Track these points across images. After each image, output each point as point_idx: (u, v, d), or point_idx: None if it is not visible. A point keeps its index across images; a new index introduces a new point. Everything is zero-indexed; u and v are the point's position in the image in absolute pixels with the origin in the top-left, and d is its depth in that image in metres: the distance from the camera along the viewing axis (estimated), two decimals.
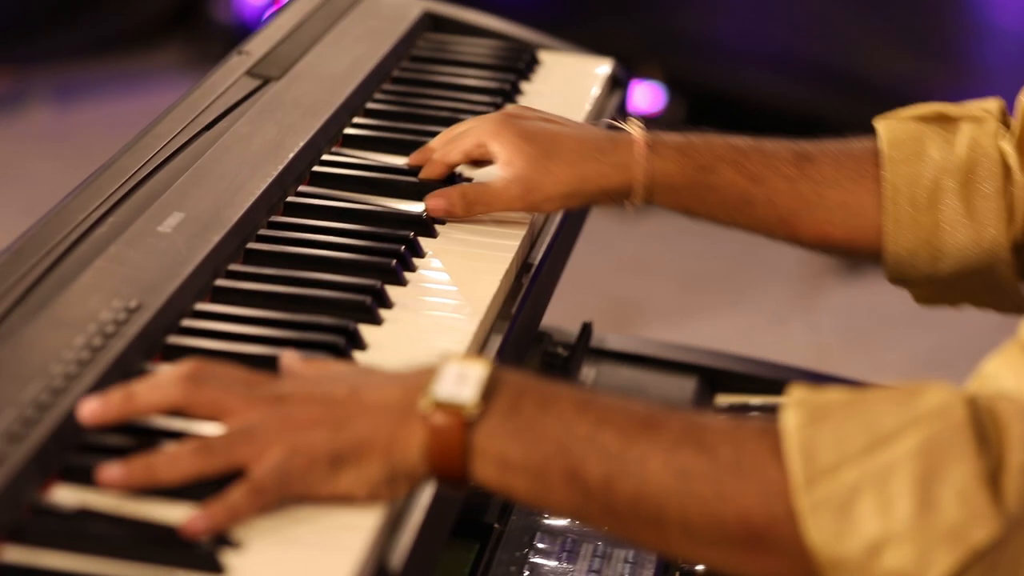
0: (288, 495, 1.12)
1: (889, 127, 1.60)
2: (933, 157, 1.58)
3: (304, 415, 1.13)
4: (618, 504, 1.11)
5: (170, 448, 1.13)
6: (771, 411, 1.75)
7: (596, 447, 1.11)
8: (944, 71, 4.15)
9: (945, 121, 1.60)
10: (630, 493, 1.10)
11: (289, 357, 1.21)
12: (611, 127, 1.61)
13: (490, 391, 1.13)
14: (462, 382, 1.13)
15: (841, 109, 4.13)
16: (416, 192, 1.61)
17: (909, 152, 1.58)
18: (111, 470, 1.12)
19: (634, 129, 1.57)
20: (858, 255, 1.64)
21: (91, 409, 1.15)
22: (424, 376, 1.14)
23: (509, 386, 1.13)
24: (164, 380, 1.15)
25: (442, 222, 1.58)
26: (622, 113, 1.73)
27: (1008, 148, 1.57)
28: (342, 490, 1.13)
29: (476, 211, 1.56)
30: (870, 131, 1.63)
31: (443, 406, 1.12)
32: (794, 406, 1.11)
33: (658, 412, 1.13)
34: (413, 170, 1.65)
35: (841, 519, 1.07)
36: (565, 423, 1.12)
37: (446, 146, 1.61)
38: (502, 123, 1.58)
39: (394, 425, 1.12)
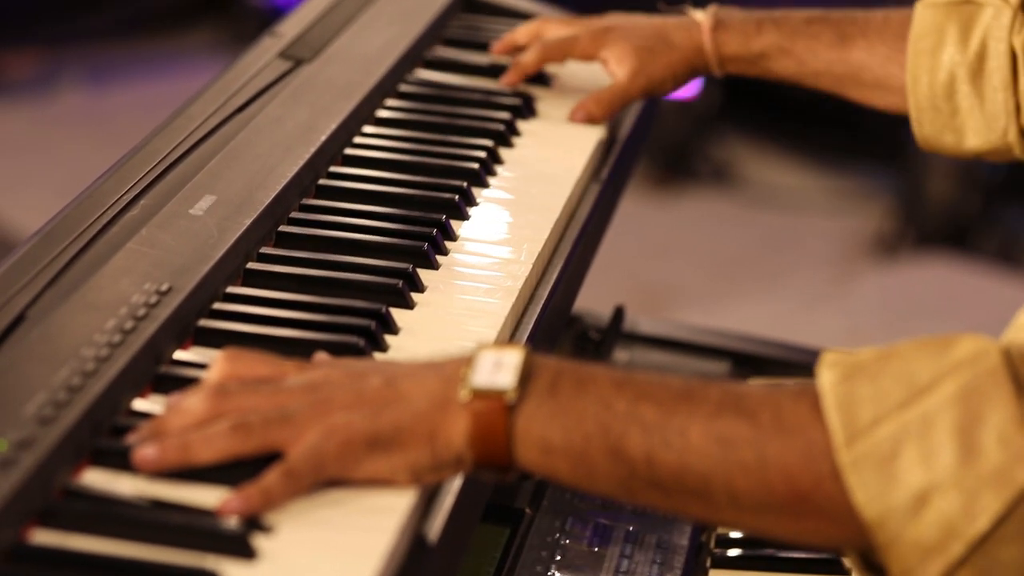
0: (323, 477, 1.12)
1: (921, 15, 1.73)
2: (949, 50, 1.71)
3: (340, 399, 1.13)
4: (663, 477, 1.11)
5: (205, 427, 1.13)
6: None
7: (636, 422, 1.11)
8: None
9: (971, 7, 1.70)
10: (674, 465, 1.10)
11: (320, 356, 1.21)
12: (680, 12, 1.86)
13: (527, 376, 1.12)
14: (499, 369, 1.12)
15: None
16: (449, 174, 1.60)
17: (930, 44, 1.71)
18: (146, 450, 1.12)
19: (700, 17, 1.82)
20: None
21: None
22: (461, 365, 1.14)
23: (546, 369, 1.13)
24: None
25: (475, 203, 1.58)
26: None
27: (1019, 43, 1.66)
28: (381, 474, 1.13)
29: (615, 109, 1.81)
30: None
31: (482, 394, 1.12)
32: (829, 366, 1.11)
33: (695, 383, 1.13)
34: (444, 153, 1.65)
35: (885, 472, 1.06)
36: (603, 401, 1.11)
37: (550, 50, 1.84)
38: (604, 35, 1.82)
39: (436, 414, 1.12)
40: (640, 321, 1.91)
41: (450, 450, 1.13)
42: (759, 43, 1.79)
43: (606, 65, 1.81)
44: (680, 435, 1.10)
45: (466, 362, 1.14)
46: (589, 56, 1.82)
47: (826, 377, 1.10)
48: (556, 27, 1.85)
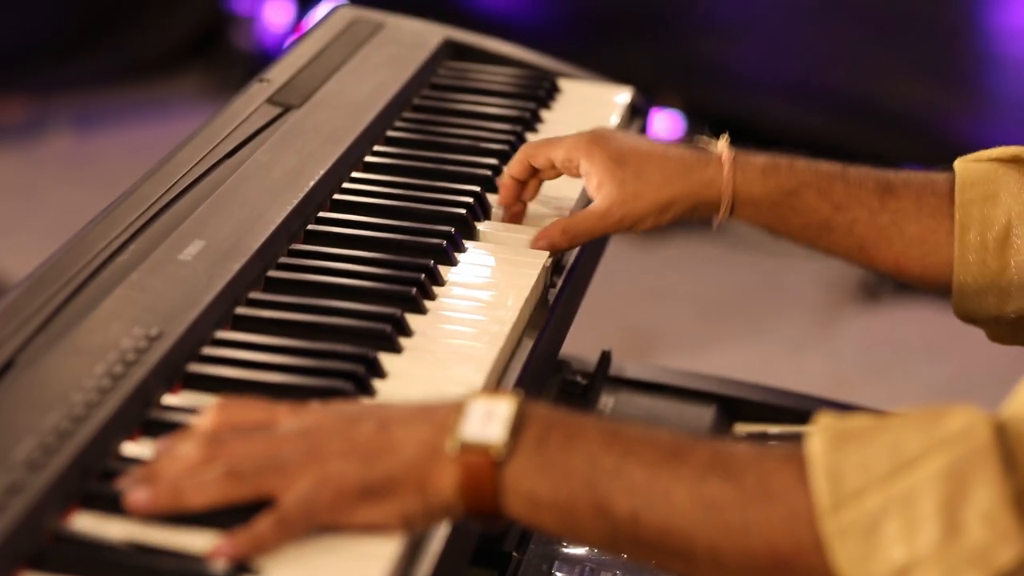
0: (316, 525, 1.12)
1: (965, 168, 1.61)
2: (1005, 200, 1.58)
3: (333, 447, 1.13)
4: (646, 536, 1.12)
5: (198, 474, 1.13)
6: (791, 440, 1.76)
7: (622, 481, 1.11)
8: (959, 99, 4.15)
9: (1022, 164, 1.60)
10: (658, 526, 1.11)
11: (312, 403, 1.21)
12: (696, 144, 1.63)
13: (517, 428, 1.13)
14: (489, 420, 1.13)
15: (858, 137, 4.14)
16: (437, 220, 1.61)
17: (982, 194, 1.59)
18: (138, 494, 1.12)
19: (720, 147, 1.60)
20: (931, 289, 1.64)
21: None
22: (451, 414, 1.14)
23: (536, 421, 1.14)
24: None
25: (463, 249, 1.59)
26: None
27: None
28: (373, 520, 1.13)
29: (579, 242, 1.61)
30: (885, 161, 1.64)
31: (471, 448, 1.12)
32: (820, 432, 1.11)
33: (684, 442, 1.13)
34: (431, 198, 1.66)
35: (867, 544, 1.07)
36: (591, 457, 1.12)
37: (533, 148, 1.63)
38: (594, 143, 1.60)
39: (427, 463, 1.13)
40: (626, 365, 1.91)
41: (440, 499, 1.13)
42: (790, 180, 1.59)
43: (584, 180, 1.61)
44: (665, 496, 1.11)
45: (457, 409, 1.14)
46: (570, 161, 1.60)
47: (817, 444, 1.10)
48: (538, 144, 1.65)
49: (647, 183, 1.58)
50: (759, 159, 1.61)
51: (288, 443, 1.14)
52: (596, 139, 1.61)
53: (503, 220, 1.66)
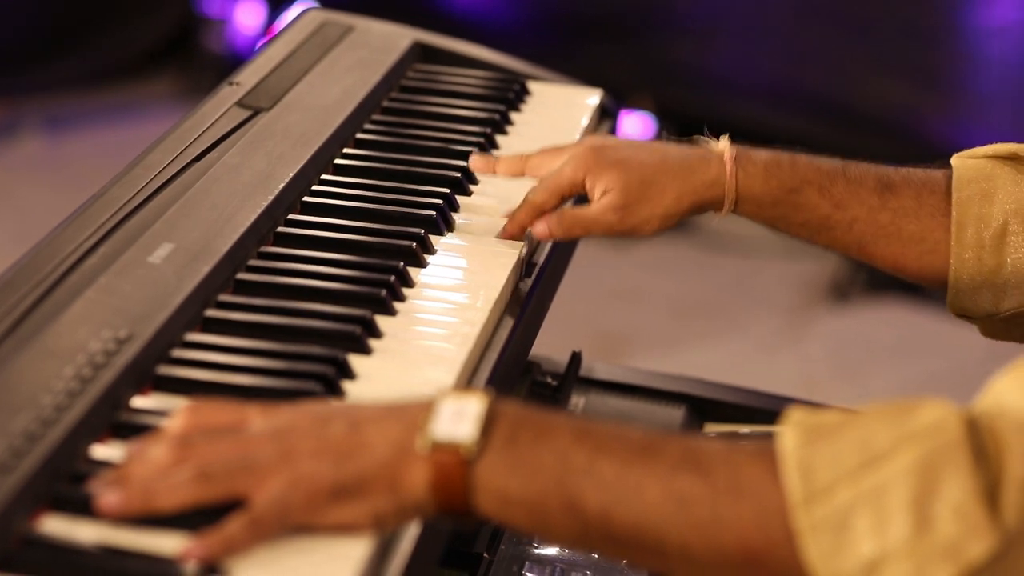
0: (287, 526, 1.13)
1: (962, 165, 1.62)
2: (1001, 199, 1.60)
3: (304, 447, 1.14)
4: (618, 533, 1.12)
5: (169, 475, 1.13)
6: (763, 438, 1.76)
7: (593, 477, 1.11)
8: (936, 100, 4.16)
9: (1019, 161, 1.61)
10: (629, 522, 1.11)
11: (282, 404, 1.21)
12: (698, 143, 1.64)
13: (487, 426, 1.13)
14: (460, 419, 1.13)
15: (833, 140, 4.12)
16: (406, 221, 1.62)
17: (978, 191, 1.60)
18: (109, 497, 1.12)
19: (722, 146, 1.62)
20: (928, 285, 1.66)
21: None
22: (422, 412, 1.14)
23: (506, 418, 1.14)
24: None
25: (432, 251, 1.59)
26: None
27: None
28: (345, 520, 1.14)
29: (575, 233, 1.61)
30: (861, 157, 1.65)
31: (441, 446, 1.13)
32: (791, 427, 1.12)
33: (656, 438, 1.14)
34: (401, 200, 1.66)
35: (838, 538, 1.07)
36: (561, 454, 1.12)
37: (538, 192, 1.61)
38: (593, 157, 1.60)
39: (398, 462, 1.13)
40: (596, 367, 1.92)
41: (412, 497, 1.14)
42: (792, 178, 1.61)
43: (589, 194, 1.60)
44: (636, 492, 1.11)
45: (428, 408, 1.15)
46: (577, 183, 1.60)
47: (788, 438, 1.11)
48: (538, 160, 1.66)
49: (651, 187, 1.59)
50: (761, 156, 1.62)
51: (260, 443, 1.14)
52: (593, 152, 1.61)
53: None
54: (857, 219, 1.61)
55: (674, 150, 1.63)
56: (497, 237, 1.63)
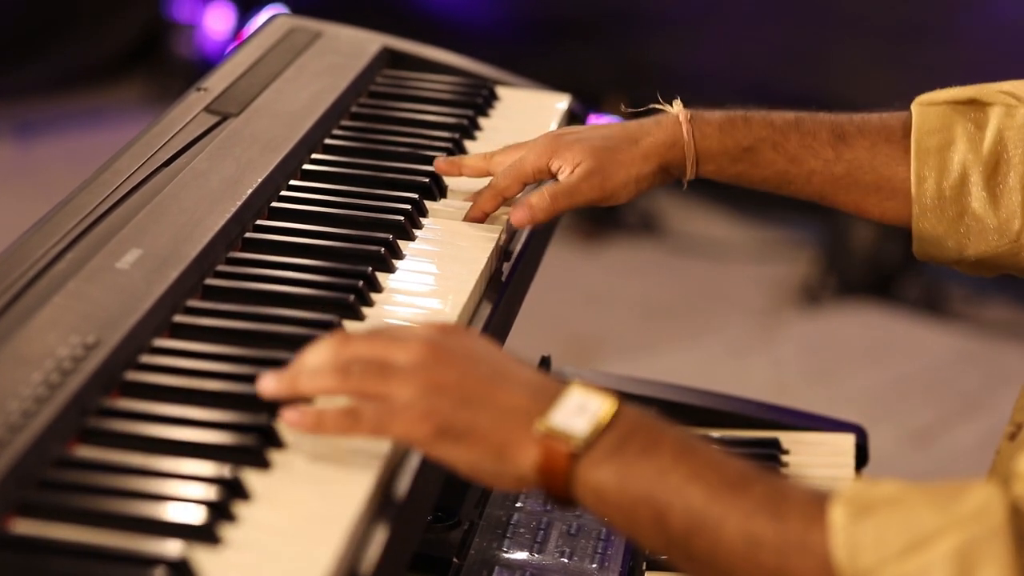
0: (382, 437, 1.21)
1: (922, 113, 1.65)
2: (960, 148, 1.63)
3: (441, 378, 1.19)
4: (696, 555, 1.17)
5: (313, 364, 1.22)
6: (732, 445, 1.77)
7: (683, 499, 1.16)
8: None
9: (977, 107, 1.64)
10: (706, 548, 1.16)
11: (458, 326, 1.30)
12: (653, 111, 1.70)
13: (603, 427, 1.18)
14: (580, 413, 1.19)
15: None
16: (375, 227, 1.62)
17: (938, 142, 1.64)
18: (265, 381, 1.24)
19: (676, 108, 1.67)
20: (894, 226, 1.70)
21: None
22: (550, 394, 1.20)
23: (622, 425, 1.19)
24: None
25: (401, 256, 1.59)
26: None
27: None
28: (442, 456, 1.20)
29: (559, 205, 1.62)
30: None
31: (555, 433, 1.18)
32: (844, 504, 1.14)
33: (749, 474, 1.18)
34: (369, 206, 1.66)
35: None
36: (660, 470, 1.17)
37: (500, 178, 1.66)
38: (555, 142, 1.65)
39: (512, 431, 1.19)
40: (566, 370, 1.92)
41: (516, 468, 1.19)
42: (747, 136, 1.65)
43: (560, 175, 1.63)
44: (717, 524, 1.16)
45: (556, 393, 1.20)
46: (540, 169, 1.64)
47: (838, 514, 1.14)
48: (502, 156, 1.69)
49: (617, 152, 1.63)
50: (715, 116, 1.67)
51: (408, 352, 1.20)
52: (554, 138, 1.66)
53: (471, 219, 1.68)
54: (814, 172, 1.66)
55: (631, 122, 1.69)
56: (463, 220, 1.67)
